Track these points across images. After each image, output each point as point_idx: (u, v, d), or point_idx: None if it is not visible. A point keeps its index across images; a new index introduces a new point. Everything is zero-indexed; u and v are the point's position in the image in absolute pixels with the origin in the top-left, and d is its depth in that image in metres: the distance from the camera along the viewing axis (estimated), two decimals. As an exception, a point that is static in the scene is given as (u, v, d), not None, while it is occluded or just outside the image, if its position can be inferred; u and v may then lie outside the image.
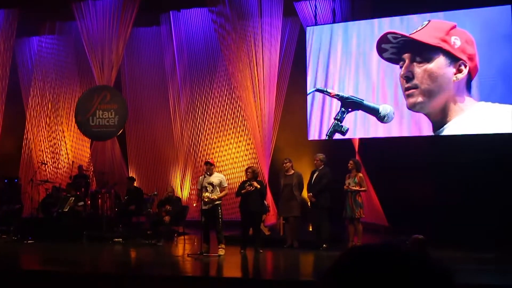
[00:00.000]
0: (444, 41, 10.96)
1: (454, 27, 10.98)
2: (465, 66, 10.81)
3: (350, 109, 11.87)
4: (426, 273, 0.98)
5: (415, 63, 11.20)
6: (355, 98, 11.84)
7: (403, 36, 11.35)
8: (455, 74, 10.89)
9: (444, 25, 11.09)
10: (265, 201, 11.71)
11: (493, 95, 10.72)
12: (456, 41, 10.88)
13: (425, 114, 11.20)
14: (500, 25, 10.77)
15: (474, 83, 10.82)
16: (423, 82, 11.14)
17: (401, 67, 11.34)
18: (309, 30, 12.54)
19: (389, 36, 11.46)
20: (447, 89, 10.98)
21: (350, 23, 12.27)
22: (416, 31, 11.21)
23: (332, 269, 1.02)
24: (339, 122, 11.87)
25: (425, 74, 11.12)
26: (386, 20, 11.74)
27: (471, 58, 10.83)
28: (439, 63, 11.02)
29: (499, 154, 10.58)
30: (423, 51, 11.14)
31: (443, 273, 0.99)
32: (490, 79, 10.74)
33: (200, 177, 10.00)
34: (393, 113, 11.48)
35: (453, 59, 10.91)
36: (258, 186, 9.82)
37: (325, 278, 1.02)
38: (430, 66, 11.08)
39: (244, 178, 10.52)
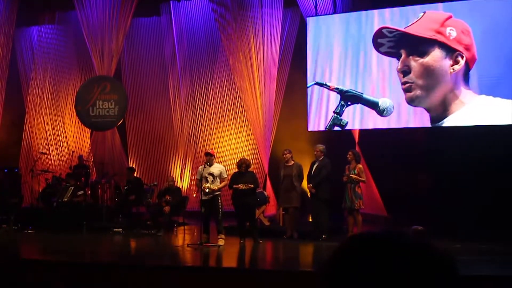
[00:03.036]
0: (439, 32, 10.90)
1: (449, 17, 10.90)
2: (462, 57, 10.75)
3: (349, 103, 11.86)
4: (429, 260, 0.97)
5: (411, 57, 11.16)
6: (354, 92, 11.82)
7: (397, 30, 11.33)
8: (451, 66, 10.84)
9: (439, 16, 11.01)
10: (265, 192, 11.73)
11: (494, 89, 10.66)
12: (451, 32, 10.81)
13: (425, 108, 11.18)
14: (501, 16, 10.69)
15: (473, 76, 10.75)
16: (420, 76, 11.11)
17: (398, 60, 11.32)
18: (309, 20, 12.50)
19: (384, 30, 11.44)
20: (445, 81, 10.94)
21: (351, 14, 12.22)
22: (412, 24, 11.17)
23: (334, 256, 1.02)
24: (338, 116, 11.86)
25: (421, 68, 11.09)
26: (386, 11, 11.68)
27: (467, 48, 10.75)
28: (435, 56, 10.97)
29: (499, 145, 10.57)
30: (418, 45, 11.09)
31: (445, 261, 0.99)
32: (490, 73, 10.69)
33: (200, 167, 10.01)
34: (393, 106, 11.47)
35: (449, 50, 10.85)
36: (252, 186, 9.81)
37: (327, 265, 1.02)
38: (426, 59, 11.03)
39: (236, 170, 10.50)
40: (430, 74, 11.05)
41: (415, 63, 11.12)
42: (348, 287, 0.97)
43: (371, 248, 0.99)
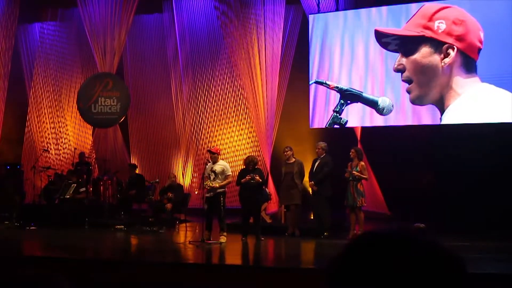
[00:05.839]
0: (427, 27, 10.90)
1: (440, 9, 10.87)
2: (453, 49, 10.74)
3: (349, 101, 11.87)
4: (439, 259, 0.97)
5: (404, 56, 11.21)
6: (354, 91, 11.82)
7: (387, 33, 11.36)
8: (442, 59, 10.84)
9: (430, 10, 11.00)
10: (267, 189, 11.72)
11: (496, 79, 10.62)
12: (440, 25, 10.80)
13: (432, 104, 11.16)
14: (502, 11, 10.66)
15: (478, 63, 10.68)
16: (413, 74, 11.17)
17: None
18: (311, 18, 12.48)
19: (380, 31, 11.48)
20: (437, 76, 10.96)
21: (353, 11, 12.20)
22: (408, 21, 11.19)
23: (343, 255, 1.01)
24: (338, 114, 11.87)
25: (412, 65, 11.15)
26: (388, 8, 11.67)
27: (460, 38, 10.72)
28: (423, 52, 11.00)
29: (500, 143, 10.57)
30: (409, 43, 11.16)
31: (454, 259, 0.98)
32: (492, 66, 10.66)
33: (206, 165, 10.03)
34: (392, 105, 11.48)
35: (438, 44, 10.85)
36: (260, 180, 9.83)
37: (335, 263, 1.01)
38: (415, 56, 11.08)
39: (243, 167, 10.52)
40: (421, 71, 11.09)
41: (408, 61, 11.18)
42: (357, 286, 0.96)
43: (381, 246, 0.98)
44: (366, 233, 1.05)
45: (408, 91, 11.24)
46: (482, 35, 10.60)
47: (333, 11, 12.51)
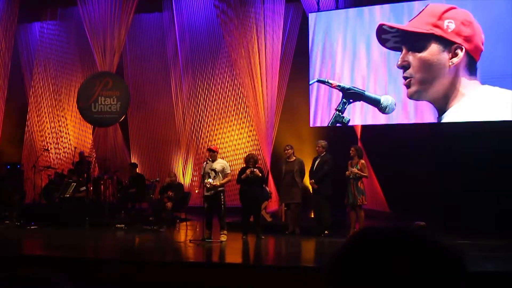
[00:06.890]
0: (436, 26, 10.89)
1: (449, 9, 10.87)
2: (461, 49, 10.74)
3: (351, 100, 11.86)
4: (440, 256, 0.96)
5: (410, 52, 11.19)
6: (356, 89, 11.82)
7: (394, 28, 11.33)
8: (450, 59, 10.84)
9: (438, 9, 10.99)
10: (267, 188, 11.73)
11: (497, 81, 10.63)
12: (450, 25, 10.80)
13: (429, 101, 11.18)
14: (504, 10, 10.65)
15: (478, 65, 10.70)
16: (418, 71, 11.13)
17: (400, 56, 11.35)
18: (311, 16, 12.47)
19: (384, 27, 11.45)
20: (443, 75, 10.94)
21: (353, 10, 12.19)
22: (413, 18, 11.18)
23: (343, 251, 1.01)
24: (340, 113, 11.86)
25: (419, 63, 11.11)
26: (388, 7, 11.66)
27: (468, 39, 10.72)
28: (432, 50, 10.97)
29: (500, 141, 10.56)
30: (417, 40, 11.12)
31: (455, 256, 0.98)
32: (493, 66, 10.66)
33: (204, 163, 10.02)
34: (395, 104, 11.48)
35: (447, 43, 10.85)
36: (260, 174, 9.84)
37: (335, 259, 1.01)
38: (423, 54, 11.05)
39: (243, 165, 10.53)
40: (428, 69, 11.06)
41: (414, 58, 11.14)
42: (357, 283, 0.96)
43: (381, 244, 0.98)
44: (364, 230, 1.04)
45: (407, 85, 11.22)
46: (483, 37, 10.64)
47: (333, 9, 12.50)
